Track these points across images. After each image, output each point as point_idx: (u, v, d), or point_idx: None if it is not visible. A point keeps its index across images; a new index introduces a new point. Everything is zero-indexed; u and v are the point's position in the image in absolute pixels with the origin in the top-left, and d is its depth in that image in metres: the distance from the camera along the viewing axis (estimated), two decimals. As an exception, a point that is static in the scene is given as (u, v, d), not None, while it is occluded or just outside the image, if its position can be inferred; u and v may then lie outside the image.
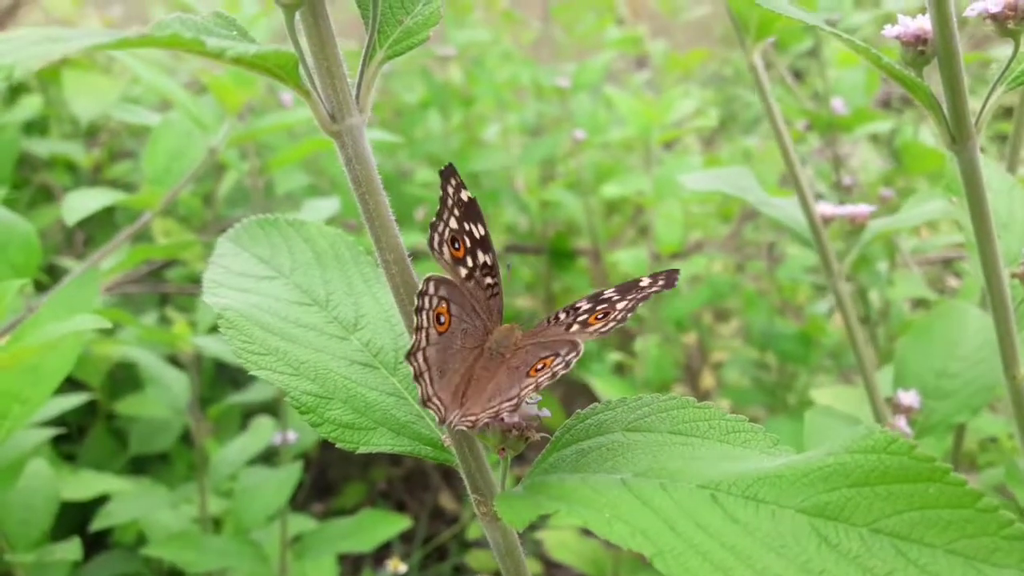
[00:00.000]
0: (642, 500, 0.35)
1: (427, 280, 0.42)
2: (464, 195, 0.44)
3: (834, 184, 1.35)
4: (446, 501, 1.85)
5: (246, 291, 0.46)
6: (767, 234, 1.80)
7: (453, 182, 0.44)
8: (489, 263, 0.45)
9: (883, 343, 1.44)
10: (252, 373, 0.41)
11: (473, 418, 0.41)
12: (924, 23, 0.44)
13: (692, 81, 2.33)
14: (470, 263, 0.45)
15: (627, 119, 1.50)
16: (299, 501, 1.71)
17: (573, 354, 0.42)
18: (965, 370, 0.82)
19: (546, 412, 0.43)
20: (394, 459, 1.93)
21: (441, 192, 0.44)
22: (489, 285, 0.45)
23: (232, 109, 0.90)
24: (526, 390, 0.41)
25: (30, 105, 1.81)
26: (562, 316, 0.45)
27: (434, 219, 0.44)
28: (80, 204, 0.85)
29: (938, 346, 0.84)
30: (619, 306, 0.44)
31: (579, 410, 0.42)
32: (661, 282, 0.44)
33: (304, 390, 0.41)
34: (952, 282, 1.68)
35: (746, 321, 1.75)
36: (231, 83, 0.88)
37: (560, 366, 0.41)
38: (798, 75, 2.00)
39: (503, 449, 0.41)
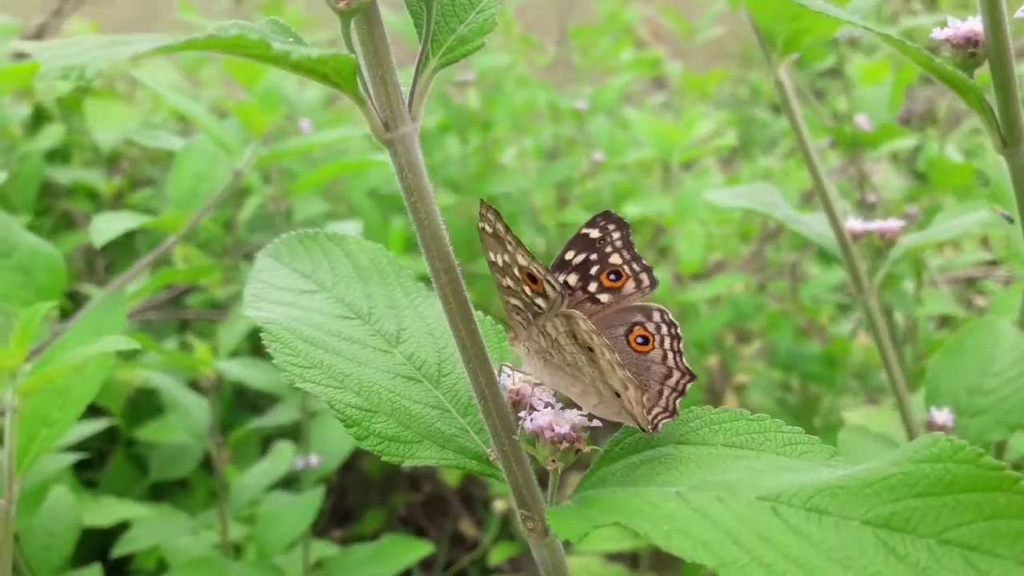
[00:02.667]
0: (700, 513, 0.34)
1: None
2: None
3: (858, 202, 1.34)
4: (466, 527, 1.83)
5: (288, 305, 0.45)
6: (788, 254, 1.79)
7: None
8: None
9: (910, 363, 1.42)
10: (297, 386, 0.40)
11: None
12: (975, 25, 0.44)
13: (708, 102, 2.33)
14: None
15: (648, 139, 1.50)
16: (318, 527, 1.70)
17: (659, 312, 0.44)
18: (1000, 386, 0.80)
19: (597, 423, 0.42)
20: (413, 485, 1.91)
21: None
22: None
23: (257, 132, 0.90)
24: (671, 356, 0.43)
25: (53, 134, 1.83)
26: (552, 293, 0.43)
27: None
28: (108, 226, 0.86)
29: (971, 362, 0.82)
30: (613, 260, 0.44)
31: (627, 424, 0.42)
32: (612, 225, 0.45)
33: (349, 403, 0.41)
34: (979, 301, 1.66)
35: (769, 342, 1.73)
36: (256, 107, 0.89)
37: (671, 324, 0.44)
38: (819, 95, 2.00)
39: (553, 461, 0.40)
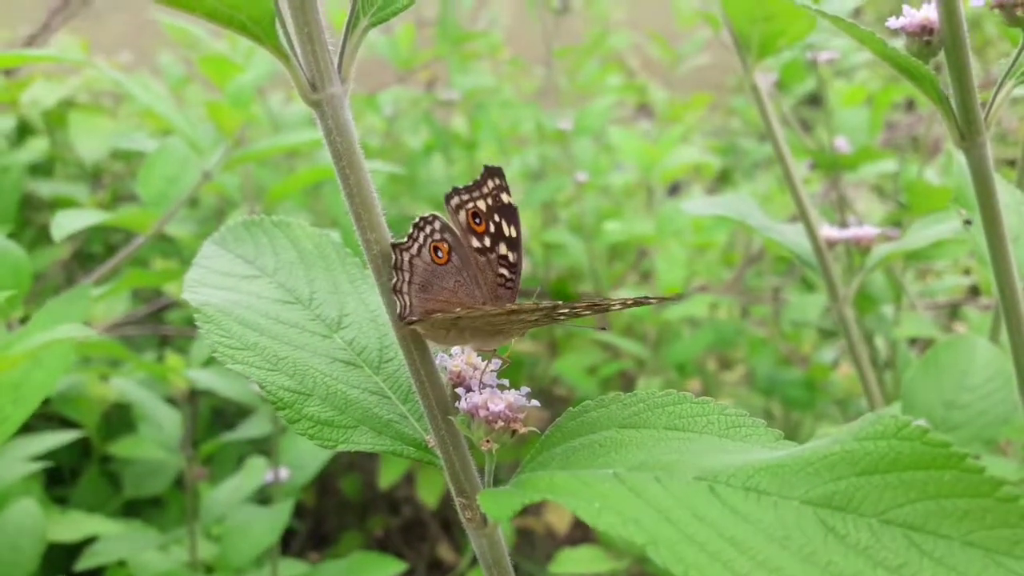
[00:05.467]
0: (635, 492, 0.33)
1: (434, 216, 0.42)
2: (504, 197, 0.44)
3: (838, 224, 1.33)
4: (444, 552, 1.81)
5: (227, 289, 0.44)
6: (770, 279, 1.78)
7: (495, 181, 0.44)
8: (512, 260, 0.44)
9: (890, 389, 1.41)
10: (229, 367, 0.39)
11: None
12: (930, 12, 0.43)
13: (696, 132, 2.34)
14: (487, 244, 0.44)
15: (630, 157, 1.50)
16: (295, 550, 1.67)
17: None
18: (975, 401, 0.79)
19: (535, 403, 0.41)
20: (392, 508, 1.89)
21: (479, 182, 0.44)
22: (503, 276, 0.44)
23: (228, 132, 0.89)
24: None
25: (36, 147, 1.83)
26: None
27: (461, 190, 0.44)
28: (69, 221, 0.84)
29: (947, 377, 0.81)
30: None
31: (570, 408, 0.40)
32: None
33: (282, 385, 0.39)
34: (959, 328, 1.65)
35: (750, 369, 1.72)
36: (228, 106, 0.88)
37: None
38: (804, 126, 2.00)
39: (488, 441, 0.39)
